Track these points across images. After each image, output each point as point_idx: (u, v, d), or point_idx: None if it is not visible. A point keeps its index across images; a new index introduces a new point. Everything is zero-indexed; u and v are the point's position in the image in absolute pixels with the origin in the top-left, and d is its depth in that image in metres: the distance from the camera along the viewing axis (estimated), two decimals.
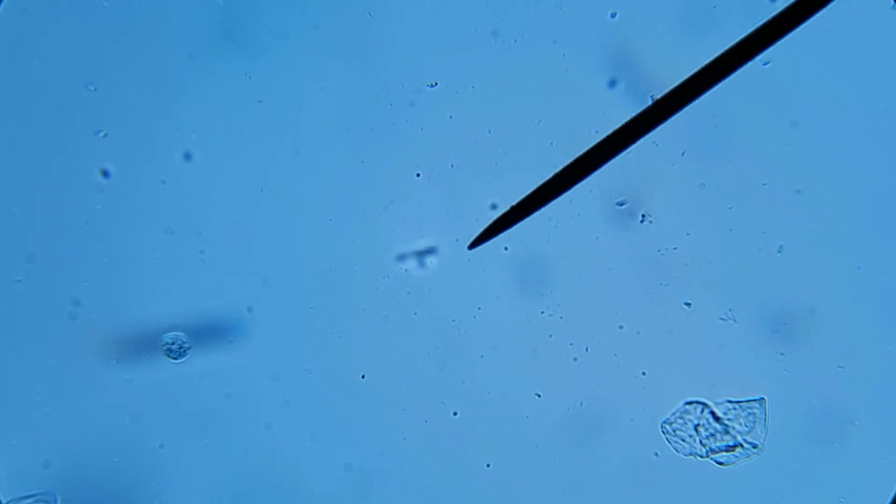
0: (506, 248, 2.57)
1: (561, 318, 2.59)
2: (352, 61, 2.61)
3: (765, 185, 2.57)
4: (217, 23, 2.61)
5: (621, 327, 2.57)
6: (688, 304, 2.55)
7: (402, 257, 2.59)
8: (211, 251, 2.62)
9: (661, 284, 2.58)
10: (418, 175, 2.55)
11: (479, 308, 2.60)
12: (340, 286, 2.62)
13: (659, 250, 2.57)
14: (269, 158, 2.62)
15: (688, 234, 2.57)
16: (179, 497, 2.61)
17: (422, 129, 2.59)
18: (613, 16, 2.53)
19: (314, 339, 2.62)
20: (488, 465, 2.59)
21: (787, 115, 2.60)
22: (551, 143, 2.55)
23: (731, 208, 2.58)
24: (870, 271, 2.60)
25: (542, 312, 2.58)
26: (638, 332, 2.58)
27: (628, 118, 2.51)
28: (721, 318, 2.56)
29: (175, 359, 2.56)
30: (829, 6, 2.47)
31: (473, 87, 2.59)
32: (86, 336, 2.61)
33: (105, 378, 2.61)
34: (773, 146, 2.60)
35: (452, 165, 2.59)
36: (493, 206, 2.55)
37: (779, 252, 2.55)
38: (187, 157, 2.61)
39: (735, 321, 2.56)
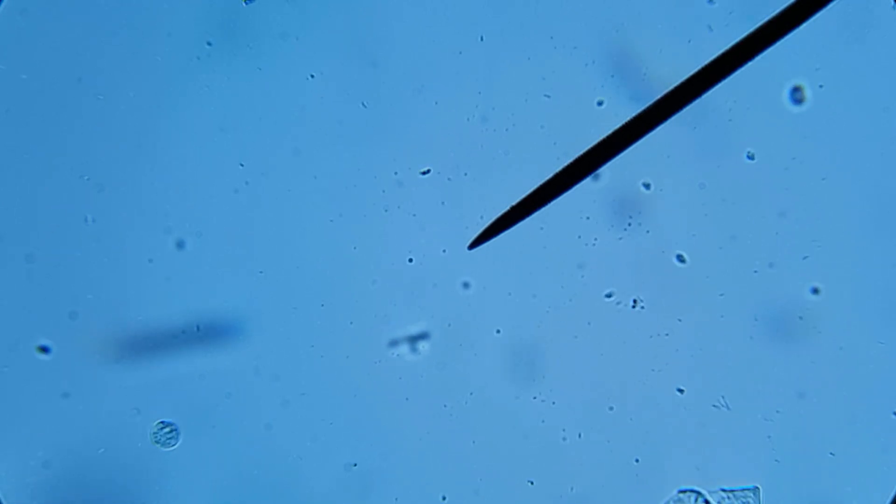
0: (498, 332, 2.58)
1: (553, 403, 2.59)
2: (352, 60, 2.61)
3: (755, 272, 2.58)
4: (217, 23, 2.61)
5: (612, 408, 2.57)
6: (680, 391, 2.55)
7: (394, 343, 2.60)
8: (211, 251, 2.62)
9: (652, 370, 2.58)
10: (410, 260, 2.56)
11: (471, 393, 2.60)
12: (340, 284, 2.62)
13: (650, 336, 2.57)
14: (268, 158, 2.62)
15: (679, 320, 2.57)
16: (179, 497, 2.61)
17: (413, 216, 2.60)
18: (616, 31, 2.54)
19: (314, 339, 2.63)
20: None
21: (787, 114, 2.60)
22: (541, 227, 2.56)
23: (722, 295, 2.59)
24: (869, 270, 2.60)
25: (535, 398, 2.59)
26: (631, 419, 2.58)
27: (628, 118, 2.51)
28: (714, 406, 2.56)
29: (166, 444, 2.58)
30: (829, 6, 2.47)
31: (479, 92, 2.59)
32: (86, 336, 2.61)
33: (105, 378, 2.61)
34: (774, 146, 2.60)
35: (445, 251, 2.59)
36: (466, 285, 2.57)
37: (751, 339, 2.56)
38: (186, 156, 2.61)
39: (728, 408, 2.56)
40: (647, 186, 2.55)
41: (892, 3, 2.57)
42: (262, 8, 2.61)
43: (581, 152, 2.53)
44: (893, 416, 2.54)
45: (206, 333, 2.62)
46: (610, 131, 2.51)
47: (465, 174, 2.59)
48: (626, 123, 2.51)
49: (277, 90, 2.62)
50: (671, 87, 2.50)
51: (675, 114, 2.50)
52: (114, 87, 2.62)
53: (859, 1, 2.56)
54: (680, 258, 2.52)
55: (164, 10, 2.62)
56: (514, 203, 2.55)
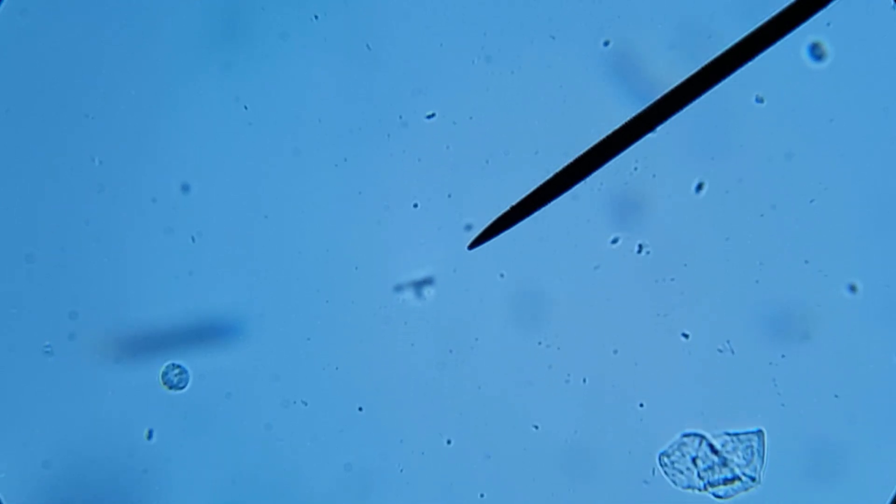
0: (502, 275, 2.57)
1: (559, 348, 2.58)
2: (352, 60, 2.61)
3: (769, 210, 2.57)
4: (217, 23, 2.61)
5: (616, 352, 2.57)
6: (685, 336, 2.55)
7: (399, 288, 2.59)
8: (211, 251, 2.62)
9: (658, 315, 2.57)
10: (416, 206, 2.56)
11: (477, 338, 2.59)
12: (337, 320, 2.62)
13: (656, 280, 2.57)
14: (269, 158, 2.62)
15: (685, 265, 2.57)
16: (179, 497, 2.61)
17: (419, 160, 2.60)
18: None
19: (310, 379, 2.62)
20: (482, 496, 2.59)
21: (787, 115, 2.60)
22: (547, 171, 2.55)
23: (727, 239, 2.58)
24: (870, 278, 2.60)
25: (539, 343, 2.58)
26: (635, 364, 2.58)
27: (628, 118, 2.51)
28: (719, 350, 2.55)
29: (175, 387, 2.57)
30: (829, 6, 2.47)
31: (485, 34, 2.59)
32: (86, 336, 2.61)
33: (105, 378, 2.61)
34: (773, 146, 2.60)
35: (450, 195, 2.59)
36: (468, 227, 2.56)
37: (756, 283, 2.55)
38: (186, 156, 2.61)
39: (733, 352, 2.56)
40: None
41: (893, 3, 2.57)
42: (262, 8, 2.61)
43: (581, 152, 2.53)
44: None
45: (205, 333, 2.62)
46: (609, 131, 2.51)
47: (471, 118, 2.58)
48: (626, 123, 2.51)
49: (277, 90, 2.62)
50: (671, 87, 2.50)
51: (674, 114, 2.50)
52: (114, 87, 2.62)
53: (859, 1, 2.56)
54: (699, 186, 2.50)
55: (165, 10, 2.62)
56: (514, 203, 2.55)
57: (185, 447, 2.61)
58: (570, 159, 2.53)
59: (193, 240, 2.60)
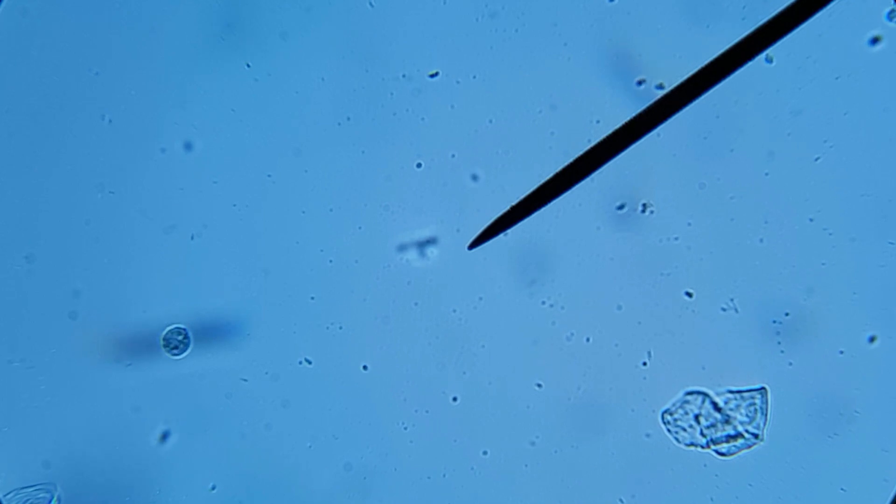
0: (505, 234, 2.57)
1: (562, 308, 2.59)
2: (352, 57, 2.61)
3: (766, 174, 2.57)
4: (217, 21, 2.61)
5: (620, 307, 2.57)
6: (689, 295, 2.55)
7: (402, 247, 2.59)
8: (211, 251, 2.62)
9: (662, 274, 2.58)
10: (419, 165, 2.55)
11: (480, 298, 2.60)
12: (340, 279, 2.62)
13: (660, 240, 2.57)
14: (269, 156, 2.62)
15: (689, 223, 2.57)
16: (179, 497, 2.61)
17: (422, 119, 2.60)
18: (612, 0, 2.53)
19: (314, 339, 2.63)
20: (485, 453, 2.59)
21: (787, 115, 2.60)
22: (552, 132, 2.55)
23: (732, 198, 2.58)
24: (869, 270, 2.60)
25: (543, 303, 2.58)
26: (639, 323, 2.58)
27: (628, 118, 2.52)
28: (722, 309, 2.56)
29: (176, 352, 2.57)
30: (829, 6, 2.47)
31: (475, 77, 2.59)
32: (86, 336, 2.61)
33: (105, 378, 2.61)
34: (773, 147, 2.60)
35: (454, 156, 2.59)
36: (474, 177, 2.56)
37: (760, 242, 2.55)
38: (187, 155, 2.61)
39: (737, 311, 2.56)
40: (660, 87, 2.53)
41: (893, 3, 2.57)
42: (262, 8, 2.61)
43: (581, 152, 2.53)
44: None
45: (206, 333, 2.62)
46: (609, 132, 2.51)
47: (474, 77, 2.58)
48: (626, 123, 2.51)
49: (277, 90, 2.62)
50: (671, 87, 2.50)
51: (674, 114, 2.50)
52: (114, 87, 2.62)
53: (859, 1, 2.56)
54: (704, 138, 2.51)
55: (165, 10, 2.62)
56: (514, 203, 2.55)
57: (186, 447, 2.61)
58: (570, 160, 2.53)
59: (192, 238, 2.60)
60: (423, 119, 2.60)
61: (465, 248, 2.57)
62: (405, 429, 2.60)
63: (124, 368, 2.60)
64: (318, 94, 2.61)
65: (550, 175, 2.53)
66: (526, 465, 2.59)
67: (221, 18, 2.61)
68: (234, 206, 2.61)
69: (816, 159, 2.56)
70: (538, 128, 2.59)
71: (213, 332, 2.61)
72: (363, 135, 2.60)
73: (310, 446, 2.61)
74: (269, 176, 2.60)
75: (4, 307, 2.60)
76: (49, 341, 2.60)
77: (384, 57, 2.60)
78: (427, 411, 2.60)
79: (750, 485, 2.57)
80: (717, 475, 2.57)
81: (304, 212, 2.61)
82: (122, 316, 2.61)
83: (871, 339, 2.55)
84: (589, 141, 2.52)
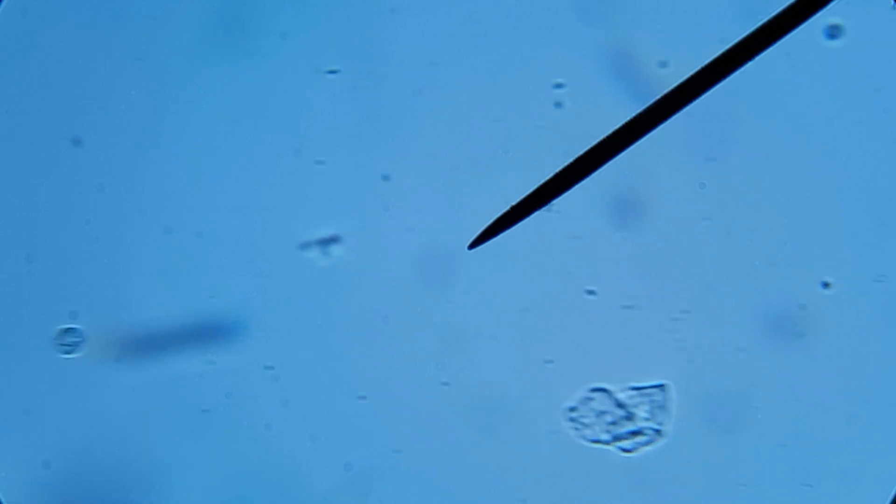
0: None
1: (467, 307, 2.62)
2: (352, 60, 2.61)
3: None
4: (217, 22, 2.61)
5: (525, 310, 2.60)
6: (591, 293, 2.57)
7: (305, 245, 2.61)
8: (211, 251, 2.62)
9: (567, 273, 2.61)
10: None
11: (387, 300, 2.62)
12: (340, 283, 2.63)
13: (573, 237, 2.60)
14: (269, 157, 2.63)
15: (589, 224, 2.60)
16: (179, 497, 2.61)
17: (423, 121, 2.60)
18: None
19: (314, 338, 2.63)
20: (398, 452, 2.61)
21: (787, 115, 2.60)
22: (542, 127, 2.57)
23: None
24: (869, 270, 2.60)
25: (450, 303, 2.62)
26: (543, 321, 2.60)
27: (628, 118, 2.52)
28: (625, 307, 2.59)
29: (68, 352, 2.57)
30: (829, 6, 2.48)
31: (476, 80, 2.60)
32: (86, 336, 2.61)
33: (105, 378, 2.61)
34: (773, 147, 2.60)
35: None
36: (385, 177, 2.57)
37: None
38: (187, 156, 2.62)
39: (639, 309, 2.58)
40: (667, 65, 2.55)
41: (893, 3, 2.57)
42: (262, 8, 2.62)
43: (581, 152, 2.53)
44: None
45: (206, 333, 2.62)
46: (610, 131, 2.52)
47: (475, 77, 2.60)
48: (626, 123, 2.51)
49: (278, 90, 2.63)
50: (671, 87, 2.50)
51: (674, 114, 2.50)
52: (114, 87, 2.62)
53: (859, 1, 2.56)
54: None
55: (165, 10, 2.62)
56: (513, 203, 2.55)
57: (186, 447, 2.61)
58: (570, 159, 2.53)
59: (178, 243, 2.61)
60: (423, 120, 2.62)
61: (371, 246, 2.59)
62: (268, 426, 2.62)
63: (124, 369, 2.61)
64: (318, 94, 2.62)
65: (550, 175, 2.54)
66: (435, 464, 2.61)
67: (221, 18, 2.61)
68: (235, 206, 2.61)
69: (708, 162, 2.60)
70: (538, 128, 2.59)
71: (212, 332, 2.62)
72: (362, 140, 2.61)
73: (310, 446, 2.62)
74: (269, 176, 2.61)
75: (4, 307, 2.60)
76: (49, 341, 2.60)
77: (385, 63, 2.61)
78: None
79: (653, 480, 2.60)
80: (621, 471, 2.60)
81: (303, 220, 2.61)
82: (121, 316, 2.61)
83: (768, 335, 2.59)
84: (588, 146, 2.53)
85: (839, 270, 2.58)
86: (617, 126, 2.51)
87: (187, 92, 2.62)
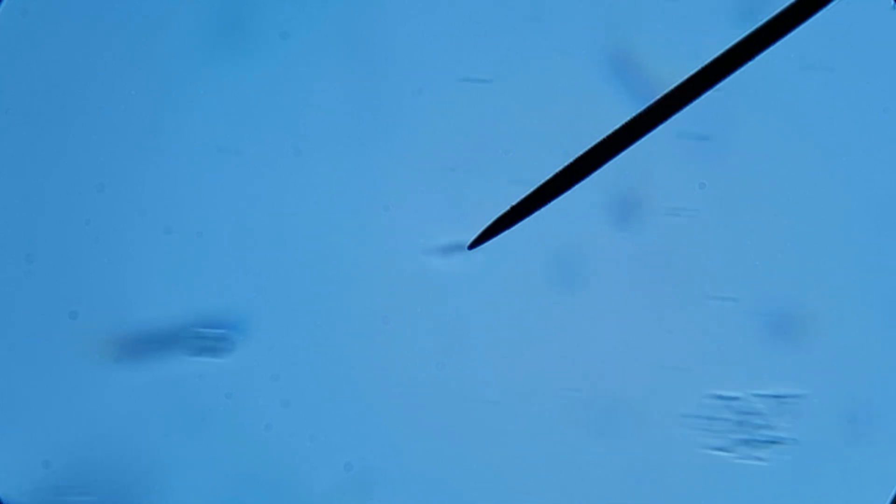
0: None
1: (589, 314, 2.60)
2: (353, 60, 2.61)
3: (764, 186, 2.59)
4: (217, 22, 2.61)
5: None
6: (703, 184, 2.55)
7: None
8: (211, 251, 2.62)
9: (688, 280, 2.59)
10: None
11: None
12: (340, 283, 2.63)
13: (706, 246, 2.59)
14: (269, 158, 2.62)
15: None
16: (179, 497, 2.61)
17: (424, 124, 2.61)
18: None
19: (315, 337, 2.63)
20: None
21: (787, 114, 2.60)
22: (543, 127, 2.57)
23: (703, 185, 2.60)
24: (869, 270, 2.60)
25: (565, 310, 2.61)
26: (657, 325, 2.59)
27: (628, 118, 2.52)
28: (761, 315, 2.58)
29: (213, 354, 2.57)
30: (829, 6, 2.48)
31: (483, 81, 2.60)
32: (86, 335, 2.61)
33: (105, 378, 2.61)
34: (773, 146, 2.60)
35: (453, 169, 2.60)
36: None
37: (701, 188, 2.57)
38: (187, 156, 2.62)
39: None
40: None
41: (893, 3, 2.57)
42: (262, 8, 2.62)
43: (581, 152, 2.53)
44: None
45: (205, 333, 2.62)
46: (610, 131, 2.52)
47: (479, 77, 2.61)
48: (626, 123, 2.51)
49: (278, 90, 2.63)
50: (671, 87, 2.50)
51: (675, 114, 2.50)
52: (114, 86, 2.62)
53: (859, 1, 2.56)
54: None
55: (165, 10, 2.62)
56: (514, 203, 2.55)
57: (186, 447, 2.61)
58: (570, 159, 2.53)
59: (178, 243, 2.61)
60: (424, 124, 2.62)
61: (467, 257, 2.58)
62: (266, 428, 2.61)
63: (124, 369, 2.60)
64: (319, 94, 2.62)
65: (550, 175, 2.53)
66: (550, 469, 2.60)
67: (221, 18, 2.61)
68: (235, 206, 2.61)
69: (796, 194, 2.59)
70: (538, 128, 2.59)
71: (212, 332, 2.62)
72: (363, 142, 2.61)
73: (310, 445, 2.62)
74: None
75: (4, 307, 2.60)
76: (49, 341, 2.60)
77: (386, 65, 2.61)
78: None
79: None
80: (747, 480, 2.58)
81: (303, 220, 2.61)
82: (122, 316, 2.61)
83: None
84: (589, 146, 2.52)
85: None
86: (617, 126, 2.51)
87: (187, 92, 2.62)
